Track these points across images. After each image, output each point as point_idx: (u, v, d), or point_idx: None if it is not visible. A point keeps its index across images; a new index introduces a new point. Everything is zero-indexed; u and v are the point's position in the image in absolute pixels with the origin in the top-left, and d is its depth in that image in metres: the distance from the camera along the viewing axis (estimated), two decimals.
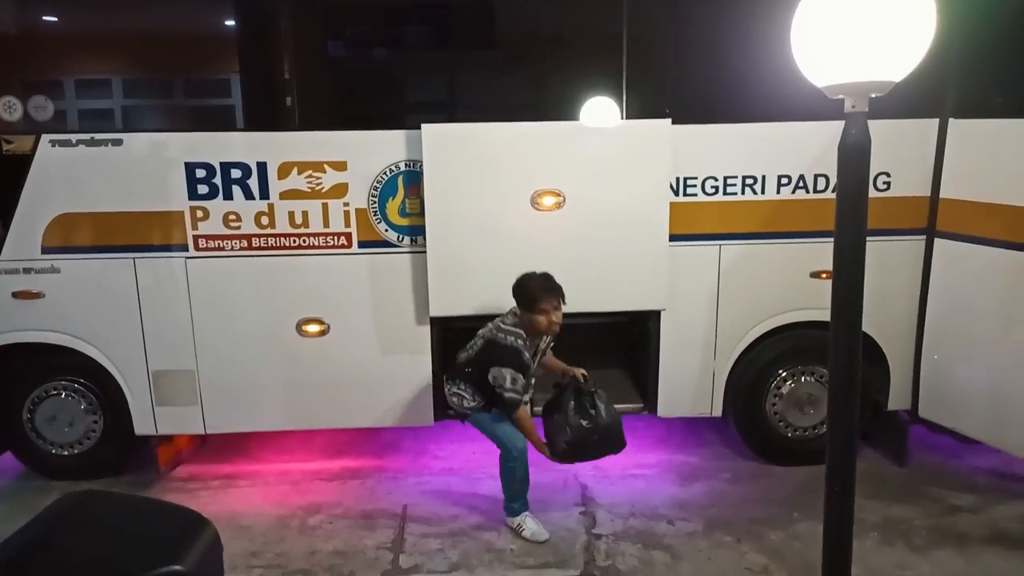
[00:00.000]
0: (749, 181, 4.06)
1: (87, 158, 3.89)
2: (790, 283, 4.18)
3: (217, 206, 3.98)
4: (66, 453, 4.35)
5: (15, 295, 4.00)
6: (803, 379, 4.37)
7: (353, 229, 4.07)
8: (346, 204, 4.04)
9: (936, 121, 3.97)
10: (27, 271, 3.98)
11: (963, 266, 3.96)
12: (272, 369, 4.21)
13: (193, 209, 3.97)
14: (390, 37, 4.44)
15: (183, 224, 3.98)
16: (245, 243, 4.04)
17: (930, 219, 4.08)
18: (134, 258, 4.01)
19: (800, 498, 4.07)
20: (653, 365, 4.27)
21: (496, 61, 4.40)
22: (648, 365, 4.30)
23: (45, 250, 3.96)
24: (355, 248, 4.09)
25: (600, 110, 3.99)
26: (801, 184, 4.08)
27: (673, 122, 3.89)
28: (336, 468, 4.59)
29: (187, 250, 4.02)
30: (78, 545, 1.84)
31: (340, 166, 4.00)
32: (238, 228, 4.01)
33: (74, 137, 3.88)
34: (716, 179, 4.05)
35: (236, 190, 3.97)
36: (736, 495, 4.17)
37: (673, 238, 4.02)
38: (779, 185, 4.08)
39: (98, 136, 3.88)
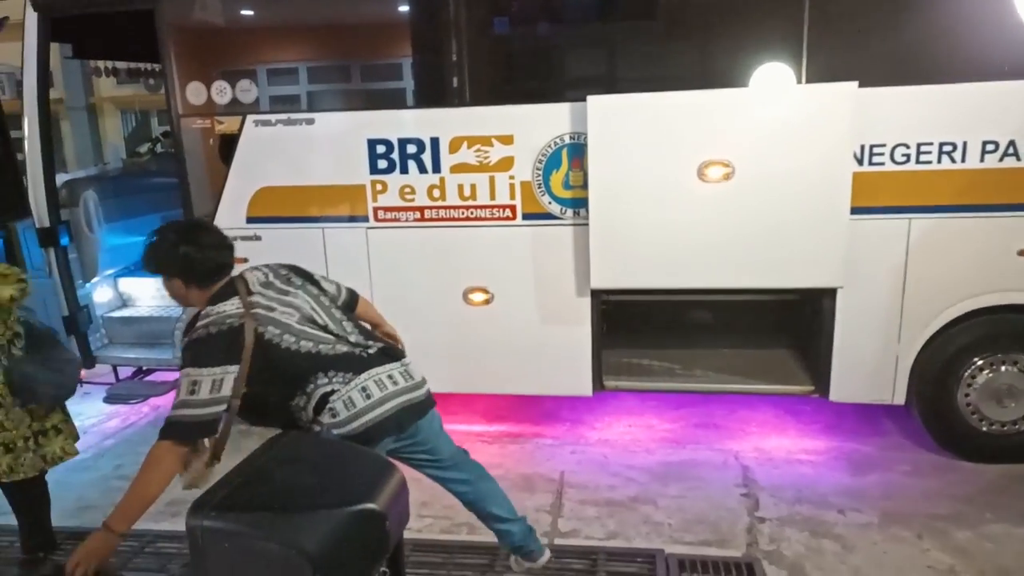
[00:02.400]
0: (947, 148, 3.68)
1: (284, 137, 4.28)
2: (992, 261, 3.76)
3: (394, 180, 4.24)
4: None
5: None
6: (1003, 368, 3.94)
7: (518, 202, 4.18)
8: (511, 177, 4.15)
9: None
10: (235, 239, 4.45)
11: None
12: (440, 334, 4.43)
13: (374, 183, 4.26)
14: (554, 12, 4.47)
15: (365, 197, 4.29)
16: (418, 215, 4.28)
17: None
18: (323, 228, 4.39)
19: (993, 497, 3.71)
20: (826, 346, 4.02)
21: (662, 29, 4.30)
22: (820, 346, 4.06)
23: (249, 220, 4.43)
24: (519, 220, 4.20)
25: (773, 75, 3.79)
26: (1011, 151, 3.64)
27: (860, 85, 3.60)
28: (496, 432, 4.79)
29: (368, 221, 4.33)
30: (288, 477, 2.08)
31: (507, 140, 4.11)
32: (412, 200, 4.26)
33: (274, 117, 4.28)
34: (908, 146, 3.71)
35: (411, 164, 4.21)
36: (916, 489, 3.87)
37: (855, 211, 3.74)
38: (983, 152, 3.66)
39: (294, 116, 4.27)
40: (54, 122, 4.67)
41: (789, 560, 3.34)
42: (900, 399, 4.06)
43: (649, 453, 4.41)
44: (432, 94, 4.41)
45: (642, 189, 3.91)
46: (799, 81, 3.76)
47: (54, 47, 4.80)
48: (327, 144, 4.29)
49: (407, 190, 4.25)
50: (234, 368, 2.32)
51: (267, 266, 2.74)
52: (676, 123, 3.84)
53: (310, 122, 4.26)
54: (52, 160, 4.62)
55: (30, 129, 4.53)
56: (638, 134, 3.87)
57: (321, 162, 4.32)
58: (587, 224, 4.01)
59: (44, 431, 3.16)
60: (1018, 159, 3.63)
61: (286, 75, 4.69)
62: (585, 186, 3.98)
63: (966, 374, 3.97)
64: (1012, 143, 3.63)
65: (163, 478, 2.31)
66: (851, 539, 3.47)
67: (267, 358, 2.38)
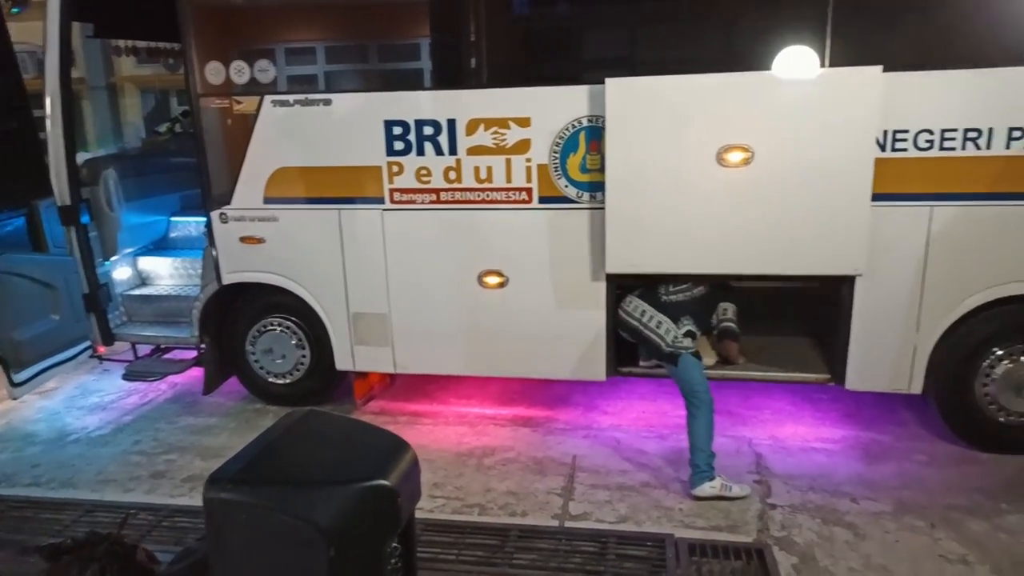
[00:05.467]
0: (972, 135, 3.61)
1: (301, 117, 4.29)
2: (1015, 251, 3.70)
3: (411, 161, 4.24)
4: (279, 382, 4.93)
5: (242, 239, 4.55)
6: (1023, 359, 3.89)
7: (534, 185, 4.16)
8: (528, 160, 4.13)
9: None
10: (252, 219, 4.51)
11: None
12: (455, 317, 4.45)
13: (390, 164, 4.26)
14: None
15: (381, 178, 4.29)
16: (434, 197, 4.27)
17: None
18: (339, 209, 4.40)
19: (1010, 489, 3.68)
20: (844, 334, 3.99)
21: (683, 11, 4.24)
22: (838, 334, 4.03)
23: (267, 200, 4.45)
24: (535, 203, 4.18)
25: (797, 58, 3.73)
26: None
27: (885, 69, 3.54)
28: (509, 415, 4.81)
29: (383, 203, 4.33)
30: (302, 453, 2.10)
31: (524, 122, 4.08)
32: (428, 182, 4.25)
33: (291, 97, 4.29)
34: (932, 132, 3.65)
35: (428, 146, 4.20)
36: (932, 479, 3.84)
37: (876, 197, 3.69)
38: (1010, 139, 3.59)
39: (312, 96, 4.27)
40: (75, 101, 4.67)
41: (800, 547, 3.34)
42: (918, 388, 4.02)
43: (662, 439, 4.41)
44: (450, 75, 4.39)
45: (660, 173, 3.89)
46: (823, 65, 3.70)
47: (75, 27, 4.82)
48: (344, 125, 4.29)
49: (423, 172, 4.24)
50: None
51: None
52: (695, 106, 3.81)
53: (327, 103, 4.26)
54: (73, 139, 4.65)
55: (52, 108, 4.55)
56: (657, 117, 3.83)
57: (338, 143, 4.32)
58: (603, 208, 3.99)
59: None
60: None
61: (304, 55, 4.68)
62: (602, 170, 3.96)
63: (985, 364, 3.93)
64: None
65: None
66: (863, 527, 3.46)
67: None
